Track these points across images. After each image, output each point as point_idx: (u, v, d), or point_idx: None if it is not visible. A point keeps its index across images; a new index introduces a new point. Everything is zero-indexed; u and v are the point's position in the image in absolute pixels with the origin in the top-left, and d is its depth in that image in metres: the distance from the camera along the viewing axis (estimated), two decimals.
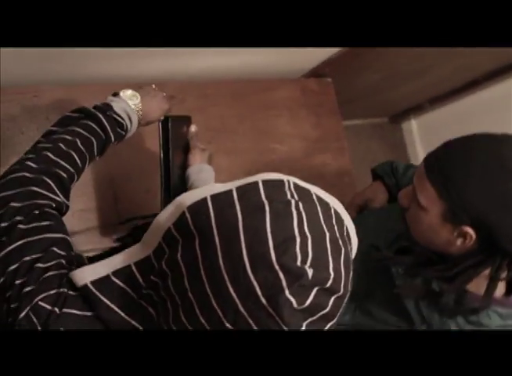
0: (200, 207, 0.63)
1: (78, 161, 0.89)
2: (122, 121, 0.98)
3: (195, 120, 1.29)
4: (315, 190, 0.68)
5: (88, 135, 0.92)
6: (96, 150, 0.94)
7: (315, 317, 0.60)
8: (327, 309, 0.61)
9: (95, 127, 0.94)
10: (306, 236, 0.60)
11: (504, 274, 0.95)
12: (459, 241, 0.93)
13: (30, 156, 0.85)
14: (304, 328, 0.59)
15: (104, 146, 0.97)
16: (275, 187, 0.64)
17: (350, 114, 2.48)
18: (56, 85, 1.42)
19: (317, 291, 0.59)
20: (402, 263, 1.04)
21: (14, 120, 1.36)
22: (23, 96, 1.39)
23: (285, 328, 0.57)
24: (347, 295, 0.64)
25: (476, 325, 0.96)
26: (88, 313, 0.69)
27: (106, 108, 0.97)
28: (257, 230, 0.59)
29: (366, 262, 1.08)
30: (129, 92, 1.03)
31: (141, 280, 0.69)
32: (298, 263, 0.58)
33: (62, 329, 0.66)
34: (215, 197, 0.63)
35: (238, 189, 0.64)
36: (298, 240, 0.59)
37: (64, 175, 0.85)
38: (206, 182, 1.19)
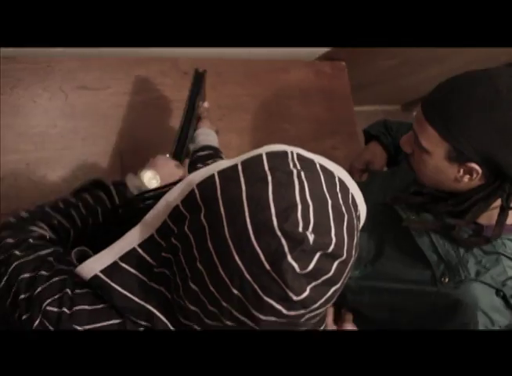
0: (207, 182, 0.65)
1: (77, 220, 0.90)
2: None
3: (207, 96, 1.29)
4: (319, 160, 0.69)
5: (93, 202, 0.93)
6: (101, 216, 0.94)
7: (318, 281, 0.61)
8: (330, 274, 0.62)
9: (103, 197, 0.94)
10: (307, 204, 0.61)
11: None
12: (466, 178, 0.94)
13: (29, 209, 0.89)
14: (308, 292, 0.60)
15: (110, 215, 0.96)
16: (278, 158, 0.66)
17: (362, 100, 2.47)
18: (70, 57, 1.42)
19: (320, 255, 0.60)
20: (412, 203, 1.05)
21: (27, 89, 1.36)
22: (37, 66, 1.39)
23: (289, 293, 0.59)
24: (352, 260, 0.65)
25: (493, 255, 0.97)
26: (100, 306, 0.70)
27: (120, 183, 0.97)
28: (260, 199, 0.60)
29: (374, 221, 1.09)
30: (149, 174, 1.02)
31: (149, 259, 0.70)
32: (300, 229, 0.59)
33: (76, 327, 0.68)
34: (222, 172, 0.65)
35: (243, 162, 0.66)
36: (300, 207, 0.60)
37: (55, 222, 0.87)
38: (212, 144, 1.24)
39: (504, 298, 0.98)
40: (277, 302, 0.59)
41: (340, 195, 0.66)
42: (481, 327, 0.97)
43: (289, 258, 0.58)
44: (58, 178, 1.33)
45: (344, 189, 0.68)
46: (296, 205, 0.60)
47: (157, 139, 1.41)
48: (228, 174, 0.65)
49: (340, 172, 0.70)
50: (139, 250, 0.70)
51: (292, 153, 0.67)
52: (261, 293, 0.59)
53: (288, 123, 1.66)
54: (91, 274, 0.69)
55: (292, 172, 0.64)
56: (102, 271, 0.69)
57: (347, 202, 0.67)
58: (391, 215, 1.08)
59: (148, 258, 0.70)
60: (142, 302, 0.69)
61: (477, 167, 0.91)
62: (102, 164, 1.40)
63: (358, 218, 0.71)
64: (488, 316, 0.96)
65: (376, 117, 2.72)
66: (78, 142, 1.35)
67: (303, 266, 0.59)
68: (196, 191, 0.65)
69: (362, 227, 1.10)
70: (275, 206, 0.60)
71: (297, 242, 0.58)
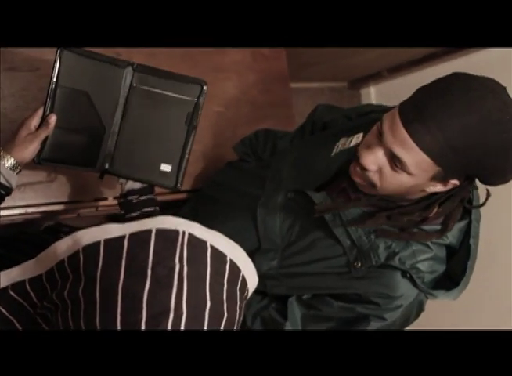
0: (92, 251, 0.65)
1: None
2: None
3: None
4: (213, 241, 0.67)
5: None
6: None
7: None
8: None
9: None
10: (181, 311, 0.61)
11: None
12: (438, 188, 0.97)
13: None
14: None
15: None
16: (166, 242, 0.64)
17: (308, 77, 2.48)
18: None
19: None
20: (352, 214, 1.05)
21: None
22: None
23: None
24: None
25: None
26: None
27: None
28: (135, 297, 0.61)
29: (286, 208, 1.13)
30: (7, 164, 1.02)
31: (35, 299, 0.72)
32: None
33: None
34: (108, 243, 0.65)
35: (131, 236, 0.65)
36: (172, 315, 0.60)
37: None
38: None
39: (411, 279, 1.04)
40: None
41: (225, 287, 0.66)
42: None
43: None
44: None
45: (234, 274, 0.68)
46: (168, 312, 0.60)
47: None
48: (113, 248, 0.64)
49: (234, 252, 0.69)
50: (27, 285, 0.72)
51: (183, 234, 0.65)
52: None
53: (223, 106, 1.67)
54: None
55: (174, 269, 0.63)
56: None
57: (234, 291, 0.68)
58: (302, 200, 1.10)
59: (33, 296, 0.72)
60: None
61: (457, 181, 0.95)
62: None
63: (246, 298, 0.71)
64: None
65: (323, 93, 2.76)
66: (7, 125, 1.34)
67: None
68: (81, 255, 0.65)
69: (275, 214, 1.13)
70: (147, 309, 0.60)
71: None
